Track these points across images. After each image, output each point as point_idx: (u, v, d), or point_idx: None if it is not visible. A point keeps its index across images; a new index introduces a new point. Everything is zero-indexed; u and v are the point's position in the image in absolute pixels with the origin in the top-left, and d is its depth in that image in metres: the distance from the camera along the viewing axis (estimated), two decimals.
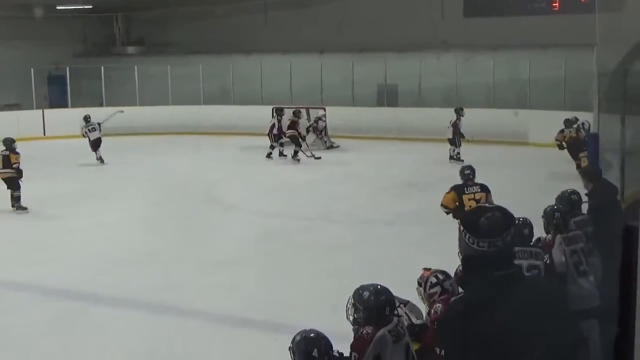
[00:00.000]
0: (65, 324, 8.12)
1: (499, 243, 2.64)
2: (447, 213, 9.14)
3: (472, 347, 2.60)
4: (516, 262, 5.45)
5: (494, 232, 2.63)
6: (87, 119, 19.40)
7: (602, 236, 6.17)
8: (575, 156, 15.21)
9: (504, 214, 2.70)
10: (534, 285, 3.01)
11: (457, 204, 8.93)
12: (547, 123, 19.78)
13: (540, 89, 21.22)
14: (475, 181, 9.05)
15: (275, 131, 19.49)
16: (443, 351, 2.81)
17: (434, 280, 4.91)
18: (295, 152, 18.93)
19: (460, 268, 4.78)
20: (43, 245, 11.24)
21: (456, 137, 18.05)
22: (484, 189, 8.99)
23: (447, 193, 9.15)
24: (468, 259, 2.72)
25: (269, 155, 19.53)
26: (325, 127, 21.57)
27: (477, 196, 8.87)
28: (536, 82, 21.50)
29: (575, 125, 15.87)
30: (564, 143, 15.84)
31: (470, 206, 8.68)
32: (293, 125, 19.12)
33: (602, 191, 7.42)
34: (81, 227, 12.28)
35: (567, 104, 20.29)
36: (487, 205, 2.77)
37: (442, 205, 9.16)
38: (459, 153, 17.95)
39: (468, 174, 9.04)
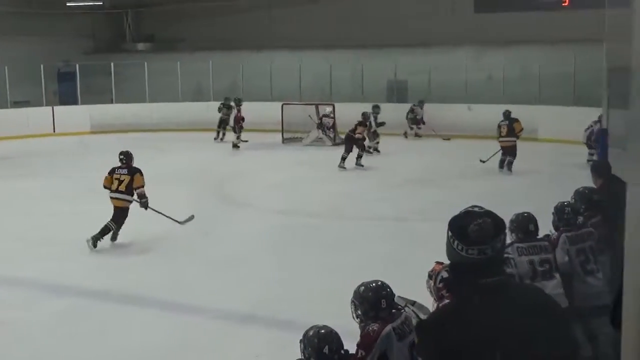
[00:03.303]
0: (71, 320, 8.12)
1: (489, 251, 2.54)
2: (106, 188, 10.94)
3: (454, 357, 2.53)
4: (527, 258, 5.49)
5: (484, 239, 2.53)
6: None
7: (612, 232, 6.13)
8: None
9: (495, 221, 2.58)
10: (524, 293, 2.91)
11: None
12: (557, 118, 19.75)
13: (550, 85, 21.17)
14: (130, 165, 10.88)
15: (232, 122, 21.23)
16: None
17: (445, 275, 4.87)
18: (359, 156, 17.68)
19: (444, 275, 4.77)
20: (48, 242, 11.22)
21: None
22: (130, 171, 10.76)
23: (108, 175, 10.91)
24: (456, 265, 2.64)
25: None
26: (333, 123, 21.55)
27: (122, 177, 10.73)
28: (546, 77, 21.44)
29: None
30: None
31: (117, 186, 10.73)
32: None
33: (612, 187, 7.37)
34: (87, 224, 12.26)
35: (576, 99, 20.23)
36: (476, 210, 2.64)
37: (104, 185, 10.92)
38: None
39: (122, 158, 10.91)
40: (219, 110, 22.61)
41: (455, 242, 2.57)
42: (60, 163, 18.85)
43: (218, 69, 26.30)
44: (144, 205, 10.84)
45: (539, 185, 14.00)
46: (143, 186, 10.80)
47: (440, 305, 4.51)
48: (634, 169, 1.40)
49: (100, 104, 25.31)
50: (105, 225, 10.70)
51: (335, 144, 21.15)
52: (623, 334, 1.39)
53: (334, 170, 17.29)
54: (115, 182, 10.76)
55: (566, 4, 22.31)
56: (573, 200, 6.43)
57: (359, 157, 17.38)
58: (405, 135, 22.48)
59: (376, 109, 19.83)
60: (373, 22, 24.44)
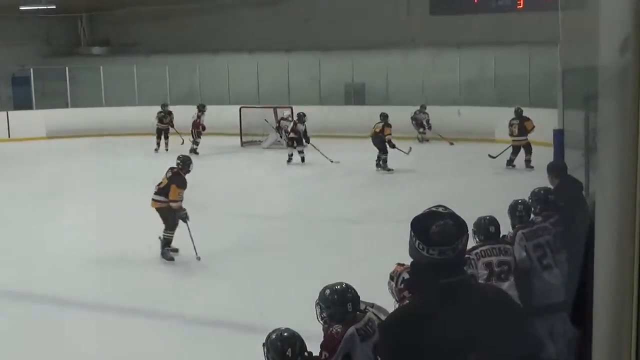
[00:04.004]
0: (32, 328, 8.04)
1: (449, 252, 2.57)
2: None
3: (415, 356, 2.57)
4: (486, 259, 5.57)
5: (445, 241, 2.57)
6: None
7: (569, 232, 6.23)
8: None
9: (457, 222, 2.61)
10: (485, 293, 2.96)
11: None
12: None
13: (506, 86, 21.43)
14: None
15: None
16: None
17: (406, 276, 4.88)
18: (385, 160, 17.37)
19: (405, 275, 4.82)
20: (6, 249, 11.08)
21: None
22: (172, 178, 10.26)
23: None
24: (417, 264, 2.67)
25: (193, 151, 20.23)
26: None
27: (163, 179, 10.31)
28: (501, 79, 21.70)
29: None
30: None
31: (156, 186, 10.37)
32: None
33: (568, 187, 7.49)
34: (46, 229, 12.15)
35: (531, 100, 20.50)
36: (440, 210, 2.68)
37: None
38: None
39: (178, 162, 10.54)
40: (159, 118, 21.13)
41: (417, 242, 2.59)
42: (16, 168, 18.58)
43: (175, 72, 26.16)
44: (183, 217, 10.22)
45: (496, 187, 14.14)
46: (177, 201, 10.16)
47: (401, 304, 4.55)
48: (604, 170, 1.44)
49: (55, 108, 24.98)
50: (162, 238, 10.36)
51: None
52: (594, 335, 1.43)
53: (293, 173, 17.33)
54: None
55: (521, 6, 22.63)
56: (530, 200, 6.53)
57: (385, 160, 17.14)
58: (419, 139, 21.70)
59: (303, 117, 19.05)
60: (330, 24, 24.48)
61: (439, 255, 2.56)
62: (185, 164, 10.50)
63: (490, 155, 16.79)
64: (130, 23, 28.87)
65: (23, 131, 23.69)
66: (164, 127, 21.02)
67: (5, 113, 24.22)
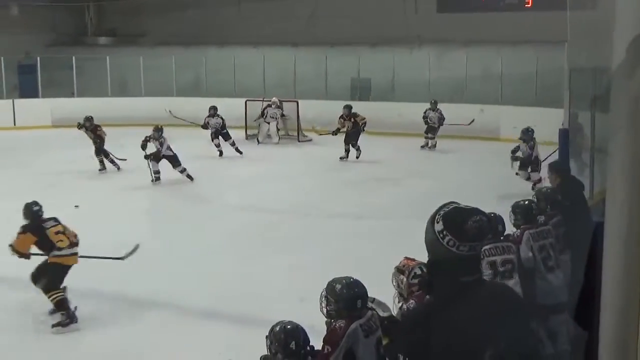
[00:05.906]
0: (30, 313, 8.05)
1: (478, 248, 2.60)
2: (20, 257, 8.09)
3: (435, 353, 2.56)
4: (491, 259, 5.57)
5: (480, 237, 2.58)
6: None
7: (570, 232, 6.25)
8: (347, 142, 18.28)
9: (488, 219, 2.63)
10: (497, 291, 2.96)
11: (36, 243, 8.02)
12: (518, 118, 19.91)
13: (512, 85, 21.38)
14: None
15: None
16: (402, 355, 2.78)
17: (418, 271, 4.82)
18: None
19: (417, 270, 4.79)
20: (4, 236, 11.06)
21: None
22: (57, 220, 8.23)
23: (22, 234, 8.09)
24: (439, 262, 2.64)
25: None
26: (298, 120, 21.56)
27: (60, 227, 8.14)
28: (508, 77, 21.65)
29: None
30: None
31: (59, 239, 8.00)
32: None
33: (570, 187, 7.49)
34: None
35: (538, 99, 20.46)
36: (467, 207, 2.67)
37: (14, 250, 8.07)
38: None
39: (37, 210, 8.37)
40: (80, 127, 17.46)
41: (447, 238, 2.56)
42: (21, 157, 18.56)
43: (181, 64, 26.14)
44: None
45: (499, 186, 14.10)
46: None
47: (417, 303, 4.49)
48: (615, 171, 1.43)
49: (61, 97, 25.00)
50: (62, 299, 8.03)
51: (299, 141, 21.22)
52: (601, 334, 1.43)
53: (296, 167, 17.33)
54: (62, 236, 8.14)
55: (529, 5, 22.59)
56: (536, 199, 6.53)
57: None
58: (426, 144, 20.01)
59: (157, 131, 16.48)
60: (337, 19, 24.45)
61: (468, 251, 2.55)
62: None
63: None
64: (137, 14, 28.88)
65: (28, 120, 23.68)
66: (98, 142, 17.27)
67: (11, 101, 24.23)
